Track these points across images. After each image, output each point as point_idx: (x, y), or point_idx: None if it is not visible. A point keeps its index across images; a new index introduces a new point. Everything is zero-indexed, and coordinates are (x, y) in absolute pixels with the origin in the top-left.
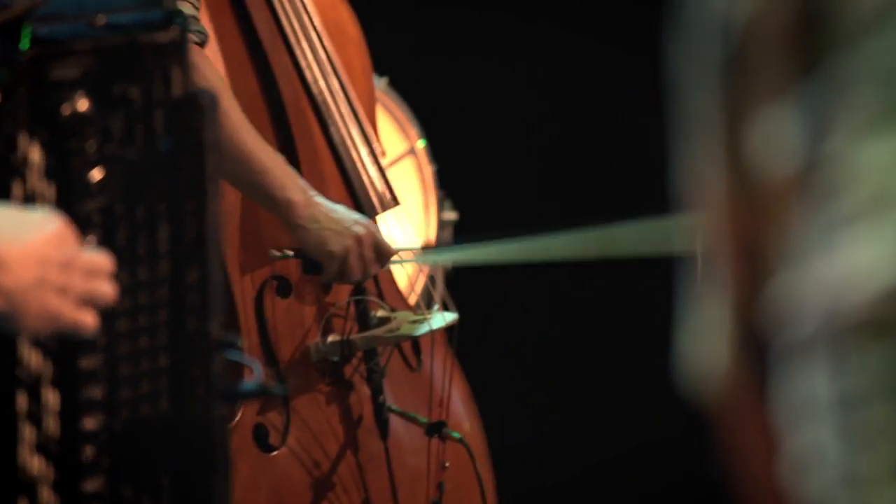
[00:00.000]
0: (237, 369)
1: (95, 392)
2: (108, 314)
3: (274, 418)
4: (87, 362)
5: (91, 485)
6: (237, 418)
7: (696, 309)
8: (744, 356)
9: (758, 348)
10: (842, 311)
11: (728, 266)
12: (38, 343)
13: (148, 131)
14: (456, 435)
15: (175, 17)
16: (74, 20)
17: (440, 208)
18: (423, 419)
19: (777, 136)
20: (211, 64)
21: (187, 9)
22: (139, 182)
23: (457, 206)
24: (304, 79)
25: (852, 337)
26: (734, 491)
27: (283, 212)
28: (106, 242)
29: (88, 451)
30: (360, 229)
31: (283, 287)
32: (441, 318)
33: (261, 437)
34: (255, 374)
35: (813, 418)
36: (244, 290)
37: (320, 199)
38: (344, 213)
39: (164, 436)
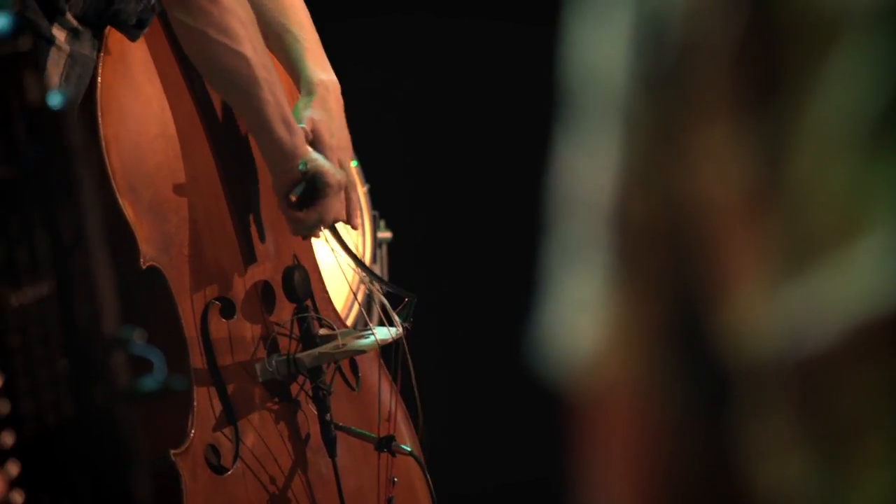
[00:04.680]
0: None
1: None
2: None
3: (223, 440)
4: None
5: (16, 498)
6: (187, 442)
7: (560, 288)
8: (646, 349)
9: (675, 351)
10: (816, 339)
11: (641, 259)
12: None
13: (11, 145)
14: (406, 448)
15: (24, 23)
16: None
17: (375, 227)
18: (372, 434)
19: (724, 157)
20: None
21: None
22: (9, 196)
23: (390, 226)
24: None
25: (830, 367)
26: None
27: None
28: None
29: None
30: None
31: (227, 308)
32: (386, 332)
33: (212, 458)
34: (156, 367)
35: (784, 449)
36: (188, 311)
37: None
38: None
39: (73, 440)
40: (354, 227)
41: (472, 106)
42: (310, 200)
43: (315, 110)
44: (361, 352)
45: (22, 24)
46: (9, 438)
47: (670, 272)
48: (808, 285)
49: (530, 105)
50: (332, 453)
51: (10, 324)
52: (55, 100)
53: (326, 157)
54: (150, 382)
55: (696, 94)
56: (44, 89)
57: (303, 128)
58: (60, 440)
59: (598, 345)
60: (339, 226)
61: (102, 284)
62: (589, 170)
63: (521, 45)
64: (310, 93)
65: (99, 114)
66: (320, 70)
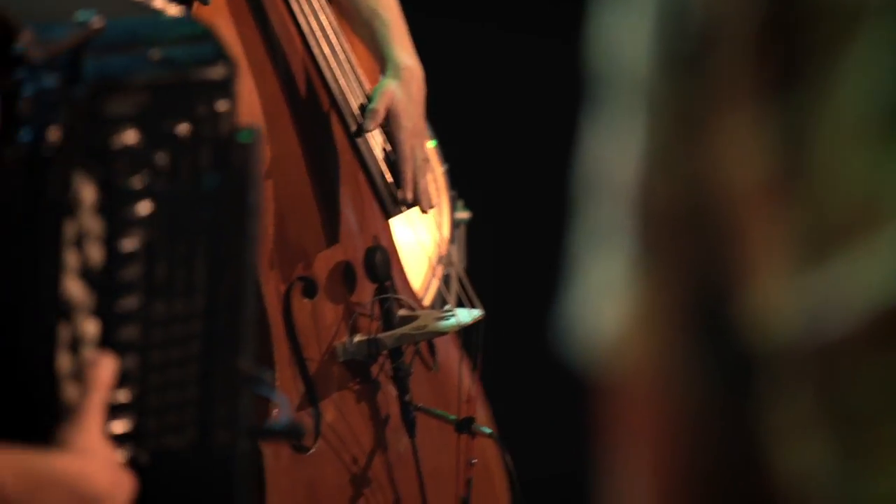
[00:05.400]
0: (266, 404)
1: (126, 423)
2: (141, 346)
3: (305, 419)
4: (121, 395)
5: None
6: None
7: (587, 268)
8: (669, 334)
9: (700, 335)
10: (836, 325)
11: (669, 243)
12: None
13: (194, 167)
14: (486, 430)
15: (224, 53)
16: (127, 52)
17: (453, 208)
18: (452, 416)
19: (747, 143)
20: None
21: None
22: (182, 217)
23: (469, 206)
24: (325, 78)
25: (850, 353)
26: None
27: None
28: (146, 276)
29: None
30: None
31: (310, 288)
32: (468, 314)
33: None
34: (283, 410)
35: (805, 435)
36: (272, 290)
37: None
38: None
39: (188, 468)
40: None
41: (552, 85)
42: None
43: (397, 91)
44: (443, 333)
45: (222, 53)
46: (126, 453)
47: (693, 257)
48: (829, 271)
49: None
50: (411, 434)
51: (154, 339)
52: (246, 136)
53: (399, 139)
54: (274, 425)
55: (719, 79)
56: (234, 121)
57: (375, 108)
58: (176, 466)
59: (623, 329)
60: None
61: (247, 323)
62: (614, 154)
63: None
64: (395, 76)
65: None
66: (406, 55)
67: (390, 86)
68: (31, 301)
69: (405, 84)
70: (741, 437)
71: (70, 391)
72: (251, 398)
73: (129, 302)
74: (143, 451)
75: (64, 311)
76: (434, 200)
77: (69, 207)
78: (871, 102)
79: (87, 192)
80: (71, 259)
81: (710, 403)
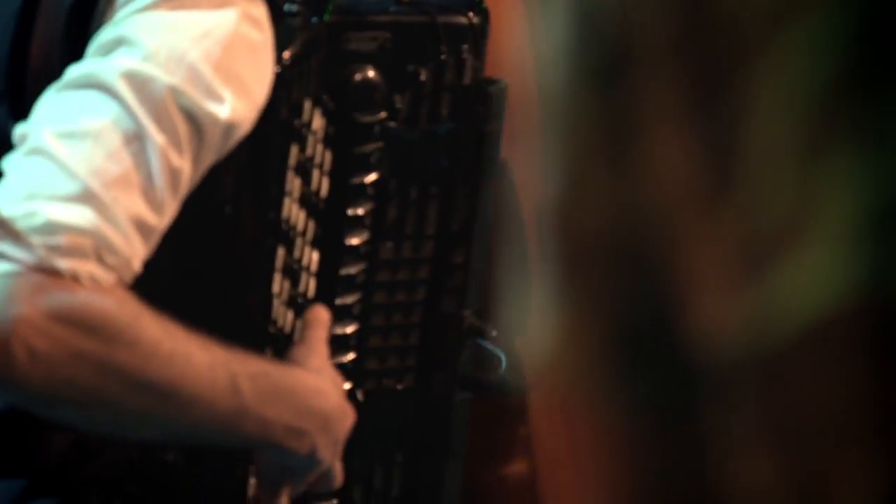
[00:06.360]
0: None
1: (347, 362)
2: (366, 284)
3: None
4: (343, 329)
5: None
6: None
7: (514, 293)
8: (602, 356)
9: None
10: (777, 340)
11: (590, 265)
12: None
13: (432, 113)
14: None
15: (477, 2)
16: None
17: None
18: None
19: (672, 157)
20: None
21: None
22: (415, 162)
23: None
24: None
25: (792, 368)
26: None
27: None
28: (377, 215)
29: None
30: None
31: None
32: None
33: None
34: (501, 366)
35: (753, 455)
36: None
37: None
38: None
39: (403, 412)
40: None
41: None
42: None
43: None
44: None
45: (474, 2)
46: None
47: (623, 276)
48: (767, 284)
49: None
50: None
51: (378, 280)
52: (492, 85)
53: None
54: (491, 378)
55: (638, 94)
56: (479, 71)
57: None
58: (391, 409)
59: (554, 353)
60: None
61: (475, 274)
62: (534, 174)
63: None
64: None
65: None
66: None
67: None
68: (251, 218)
69: None
70: (686, 459)
71: (285, 316)
72: (471, 351)
73: (355, 238)
74: (360, 388)
75: (283, 233)
76: None
77: (297, 132)
78: (794, 109)
79: (317, 122)
80: (294, 184)
81: (652, 425)
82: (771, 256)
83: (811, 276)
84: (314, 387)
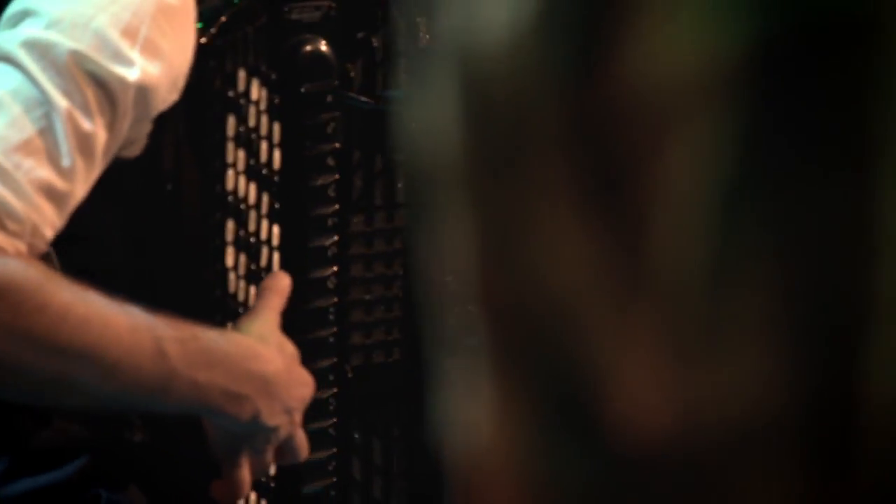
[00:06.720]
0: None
1: (329, 336)
2: (340, 258)
3: None
4: (321, 303)
5: (323, 425)
6: None
7: (442, 374)
8: (528, 437)
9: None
10: (708, 427)
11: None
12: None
13: (388, 80)
14: None
15: None
16: None
17: None
18: None
19: (577, 241)
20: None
21: None
22: (377, 131)
23: None
24: None
25: (715, 458)
26: None
27: None
28: (342, 186)
29: (320, 392)
30: None
31: None
32: None
33: None
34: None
35: None
36: None
37: None
38: None
39: (395, 386)
40: None
41: None
42: None
43: None
44: None
45: None
46: (329, 363)
47: (545, 356)
48: (688, 373)
49: None
50: None
51: (353, 254)
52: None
53: None
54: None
55: (535, 178)
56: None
57: None
58: (382, 381)
59: (481, 434)
60: None
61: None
62: (448, 253)
63: None
64: None
65: None
66: None
67: None
68: (195, 192)
69: None
70: None
71: (247, 290)
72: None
73: (321, 210)
74: (347, 363)
75: (230, 206)
76: None
77: (233, 103)
78: (698, 193)
79: (256, 92)
80: (238, 155)
81: None
82: (696, 337)
83: (729, 366)
84: (252, 351)
